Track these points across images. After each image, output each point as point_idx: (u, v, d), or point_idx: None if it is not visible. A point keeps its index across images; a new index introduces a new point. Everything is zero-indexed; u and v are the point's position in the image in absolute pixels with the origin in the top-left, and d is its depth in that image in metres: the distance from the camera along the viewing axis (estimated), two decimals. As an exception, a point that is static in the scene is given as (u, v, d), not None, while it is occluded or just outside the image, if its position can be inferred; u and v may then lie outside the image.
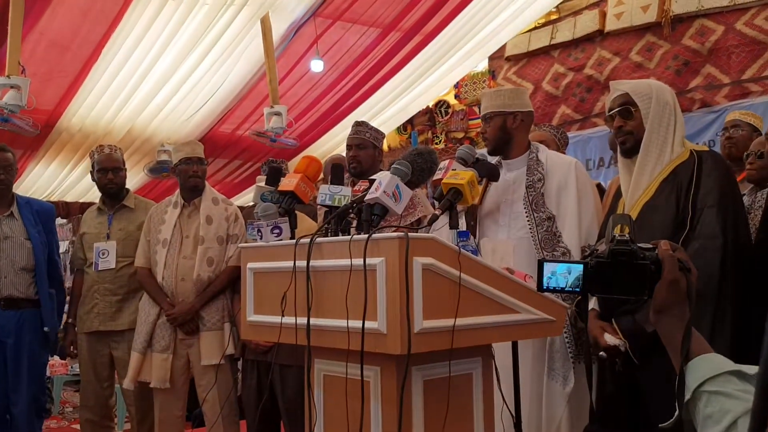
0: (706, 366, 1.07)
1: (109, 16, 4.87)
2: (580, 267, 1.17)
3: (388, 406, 1.83)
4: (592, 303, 2.47)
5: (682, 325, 1.11)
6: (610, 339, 2.26)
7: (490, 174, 2.60)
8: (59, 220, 8.65)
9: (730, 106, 5.27)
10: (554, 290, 1.20)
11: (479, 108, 7.35)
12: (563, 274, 1.18)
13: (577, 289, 1.18)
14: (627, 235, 1.15)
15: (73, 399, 6.11)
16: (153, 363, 3.61)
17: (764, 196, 3.02)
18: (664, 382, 2.14)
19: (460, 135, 7.50)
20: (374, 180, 1.97)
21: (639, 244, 1.15)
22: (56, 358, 6.10)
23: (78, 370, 4.61)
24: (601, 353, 2.30)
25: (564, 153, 3.72)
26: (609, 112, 2.48)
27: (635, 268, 1.13)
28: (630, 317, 2.26)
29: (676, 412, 1.08)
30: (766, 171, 3.02)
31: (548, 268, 1.20)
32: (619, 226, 1.17)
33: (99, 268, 3.87)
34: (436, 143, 7.60)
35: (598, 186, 3.48)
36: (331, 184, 2.12)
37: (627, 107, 2.42)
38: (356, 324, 1.77)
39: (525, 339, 2.24)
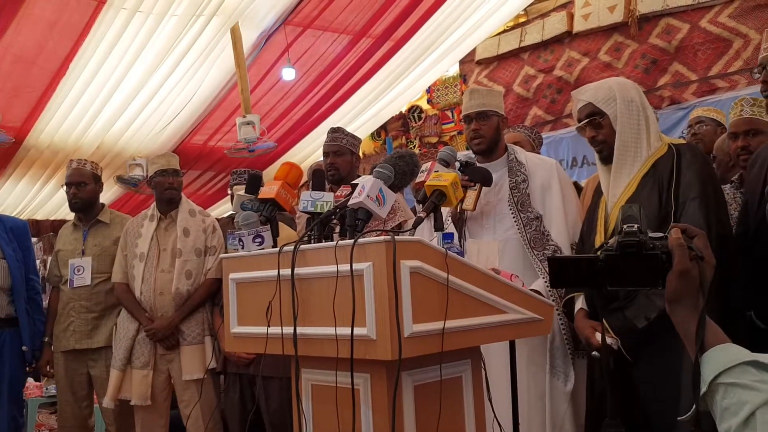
0: (722, 357, 1.04)
1: (76, 30, 4.78)
2: (590, 261, 1.16)
3: (379, 414, 1.80)
4: (580, 302, 2.48)
5: (696, 315, 1.09)
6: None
7: (484, 179, 2.61)
8: (29, 239, 8.45)
9: (698, 103, 5.35)
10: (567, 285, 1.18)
11: (452, 112, 7.43)
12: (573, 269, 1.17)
13: (591, 281, 1.17)
14: (635, 226, 1.13)
15: (49, 421, 5.95)
16: (133, 380, 3.55)
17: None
18: (657, 377, 2.17)
19: (434, 139, 7.51)
20: (357, 184, 1.94)
21: (650, 234, 1.13)
22: (30, 379, 5.95)
23: (53, 391, 4.49)
24: (594, 353, 2.30)
25: (539, 153, 3.74)
26: (578, 123, 2.48)
27: (645, 258, 1.11)
28: (620, 314, 2.26)
29: (693, 405, 1.06)
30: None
31: (558, 264, 1.18)
32: (627, 217, 1.15)
33: (74, 285, 3.79)
34: (410, 148, 7.61)
35: (575, 184, 3.51)
36: (313, 190, 2.10)
37: (594, 118, 2.41)
38: (344, 331, 1.74)
39: (514, 339, 2.23)
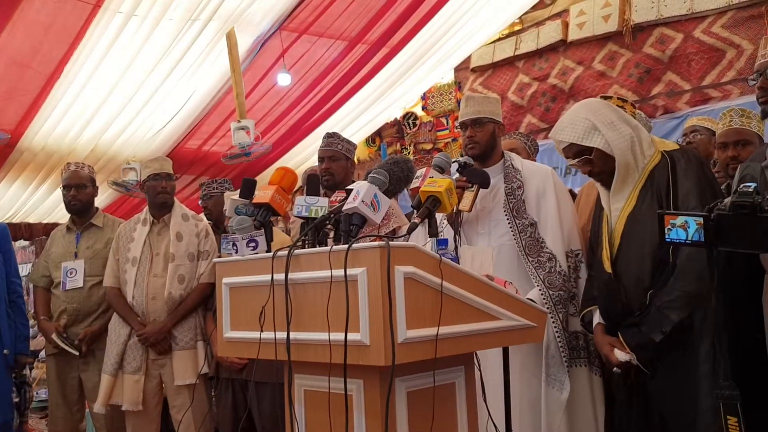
0: None
1: (71, 33, 4.78)
2: (700, 219, 1.11)
3: (372, 420, 1.80)
4: (597, 317, 2.48)
5: None
6: (620, 355, 2.30)
7: (482, 181, 2.61)
8: (22, 242, 8.43)
9: (691, 112, 5.38)
10: (676, 243, 1.14)
11: (446, 119, 7.43)
12: (682, 226, 1.13)
13: (701, 241, 1.12)
14: (752, 187, 1.08)
15: (39, 426, 5.92)
16: (125, 385, 3.52)
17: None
18: (674, 389, 2.18)
19: (429, 146, 7.52)
20: (351, 190, 1.94)
21: None
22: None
23: (44, 396, 4.46)
24: (615, 369, 2.32)
25: (534, 160, 3.75)
26: (569, 163, 2.48)
27: (759, 221, 1.06)
28: (635, 329, 2.28)
29: None
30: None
31: (668, 220, 1.15)
32: (745, 176, 1.11)
33: (67, 288, 3.77)
34: (405, 154, 7.62)
35: (570, 191, 3.51)
36: (307, 195, 2.10)
37: (584, 157, 2.39)
38: (338, 336, 1.74)
39: (507, 345, 2.24)
